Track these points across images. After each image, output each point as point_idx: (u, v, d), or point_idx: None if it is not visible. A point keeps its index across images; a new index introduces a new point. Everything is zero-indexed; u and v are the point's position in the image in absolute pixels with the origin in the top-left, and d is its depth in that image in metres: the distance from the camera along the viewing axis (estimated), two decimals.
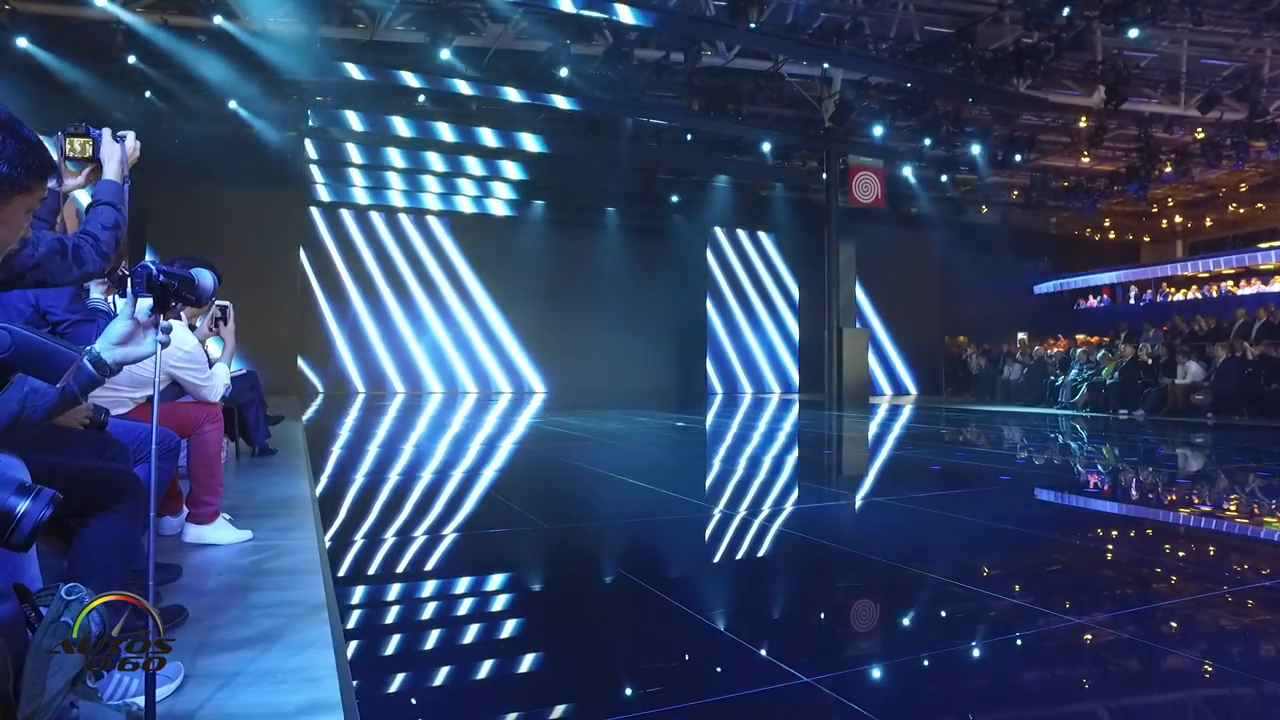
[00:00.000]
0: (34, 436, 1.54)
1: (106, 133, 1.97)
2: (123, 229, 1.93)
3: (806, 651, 2.26)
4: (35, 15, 10.51)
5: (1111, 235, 23.65)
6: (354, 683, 1.85)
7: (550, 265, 17.90)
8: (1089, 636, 2.33)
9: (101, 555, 1.80)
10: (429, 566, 3.28)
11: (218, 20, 10.61)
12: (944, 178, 17.93)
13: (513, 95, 12.27)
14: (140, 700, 1.34)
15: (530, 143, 14.32)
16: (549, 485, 5.61)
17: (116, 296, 2.80)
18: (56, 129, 1.93)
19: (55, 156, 1.69)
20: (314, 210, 16.01)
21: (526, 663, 2.16)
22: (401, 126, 13.53)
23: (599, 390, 17.75)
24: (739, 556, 3.55)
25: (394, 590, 2.90)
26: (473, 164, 15.36)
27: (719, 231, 18.79)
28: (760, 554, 3.57)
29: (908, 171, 17.19)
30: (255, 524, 3.34)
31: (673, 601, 2.68)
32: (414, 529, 3.90)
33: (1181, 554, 3.64)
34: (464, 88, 12.14)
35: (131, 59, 11.21)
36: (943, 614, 2.62)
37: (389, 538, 3.70)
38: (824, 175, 15.38)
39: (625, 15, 10.06)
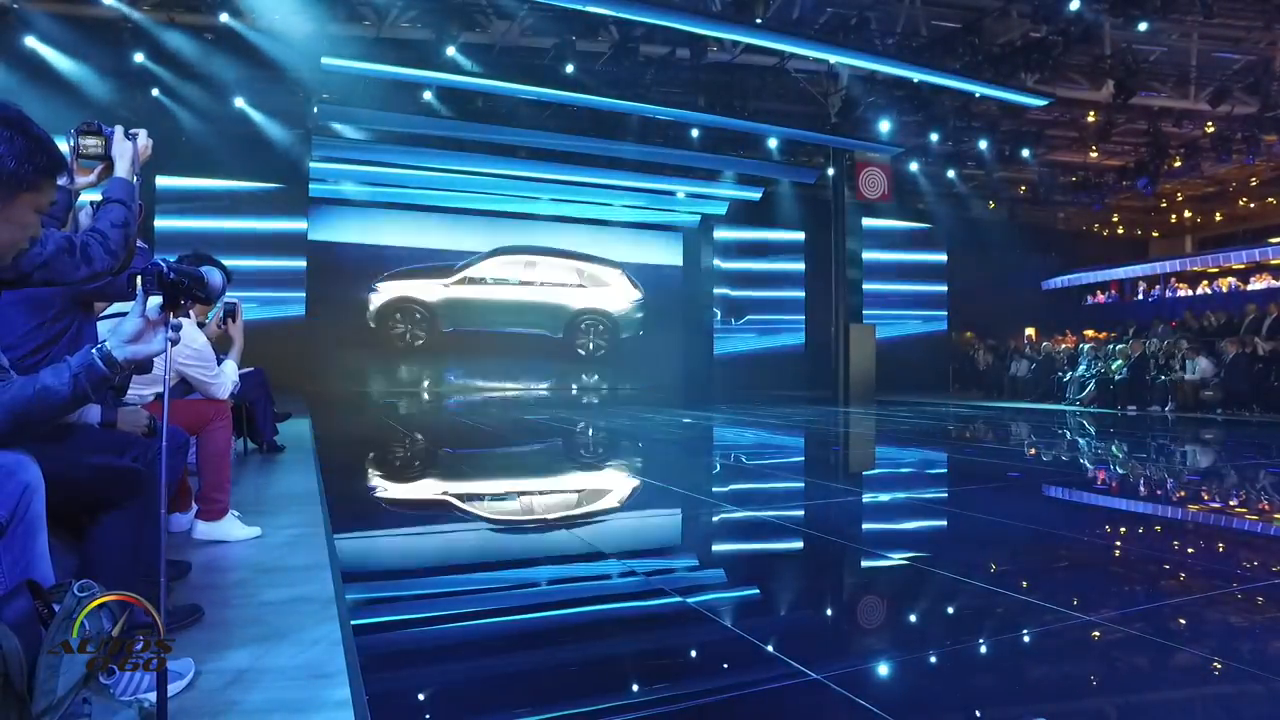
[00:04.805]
0: (46, 434, 1.55)
1: (118, 130, 1.98)
2: (133, 227, 1.93)
3: (814, 647, 2.26)
4: (43, 13, 10.56)
5: (1120, 230, 23.51)
6: (364, 679, 1.86)
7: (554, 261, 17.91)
8: (1097, 633, 2.32)
9: (113, 552, 1.81)
10: (439, 561, 3.29)
11: (224, 18, 10.65)
12: (951, 172, 17.86)
13: (519, 91, 12.27)
14: (152, 696, 1.35)
15: (535, 138, 14.31)
16: (570, 486, 5.61)
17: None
18: (64, 127, 1.94)
19: (67, 154, 1.69)
20: (319, 207, 15.99)
21: (533, 658, 2.16)
22: (406, 123, 13.54)
23: (599, 387, 17.76)
24: (743, 552, 3.55)
25: (404, 586, 2.91)
26: (477, 161, 15.35)
27: (724, 228, 18.75)
28: (766, 550, 3.57)
29: (915, 167, 17.12)
30: (264, 520, 3.36)
31: (679, 597, 2.68)
32: (427, 525, 3.91)
33: (1190, 550, 3.62)
34: (470, 83, 12.15)
35: (139, 57, 11.26)
36: (950, 610, 2.61)
37: (398, 532, 3.71)
38: (830, 171, 15.34)
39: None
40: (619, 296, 18.40)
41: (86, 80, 11.30)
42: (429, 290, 16.93)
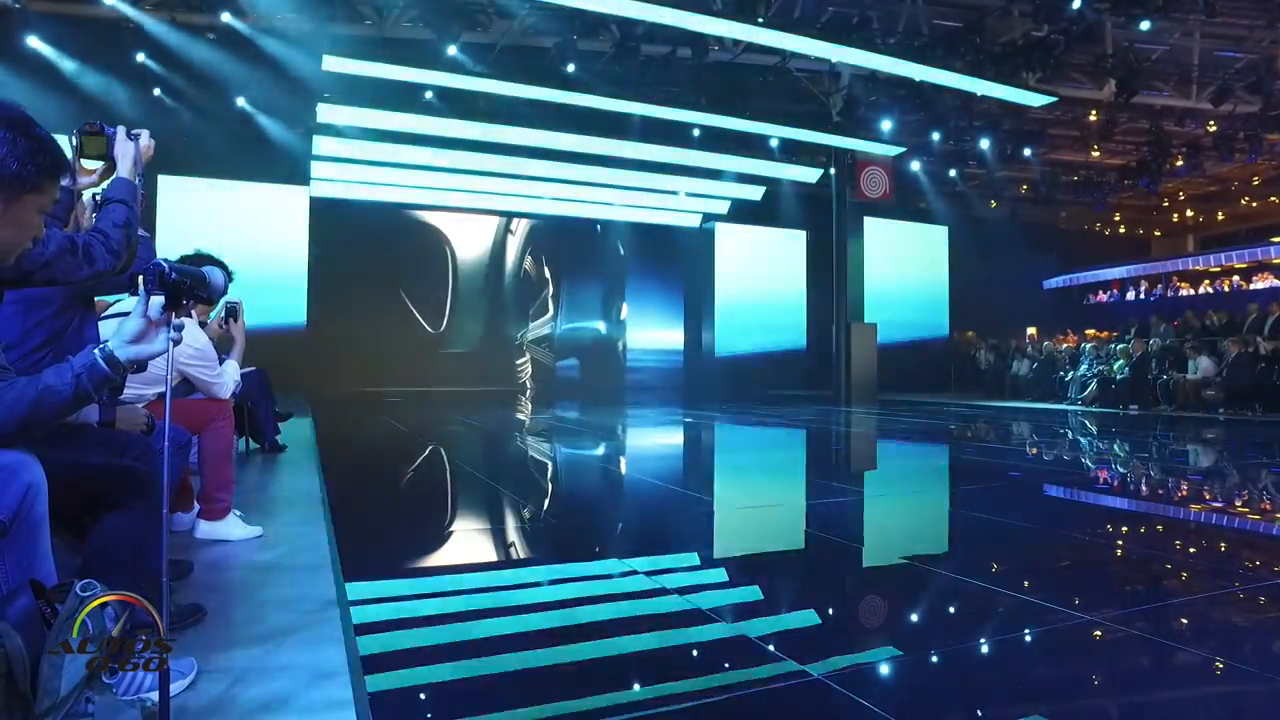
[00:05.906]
0: (49, 434, 1.55)
1: (120, 131, 1.98)
2: (134, 227, 1.93)
3: (814, 647, 2.26)
4: (44, 14, 10.57)
5: (1122, 230, 23.50)
6: (365, 678, 1.86)
7: (556, 260, 17.88)
8: (1099, 633, 2.32)
9: (116, 551, 1.81)
10: (439, 560, 3.29)
11: (225, 17, 10.65)
12: (952, 172, 17.84)
13: (520, 90, 12.25)
14: (155, 696, 1.35)
15: (537, 137, 14.29)
16: (549, 483, 5.62)
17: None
18: (66, 127, 1.94)
19: (69, 155, 1.69)
20: (320, 206, 15.97)
21: (533, 658, 2.17)
22: (408, 123, 13.52)
23: (599, 385, 17.74)
24: (744, 551, 3.55)
25: (405, 585, 2.91)
26: (478, 160, 15.33)
27: (726, 226, 18.73)
28: (767, 549, 3.57)
29: (916, 166, 17.10)
30: (265, 520, 3.36)
31: (679, 597, 2.68)
32: (427, 525, 3.91)
33: (1193, 550, 3.62)
34: (471, 83, 12.13)
35: (140, 57, 11.26)
36: (951, 610, 2.62)
37: (399, 531, 3.71)
38: (832, 170, 15.32)
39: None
40: None
41: (87, 80, 11.31)
42: None
